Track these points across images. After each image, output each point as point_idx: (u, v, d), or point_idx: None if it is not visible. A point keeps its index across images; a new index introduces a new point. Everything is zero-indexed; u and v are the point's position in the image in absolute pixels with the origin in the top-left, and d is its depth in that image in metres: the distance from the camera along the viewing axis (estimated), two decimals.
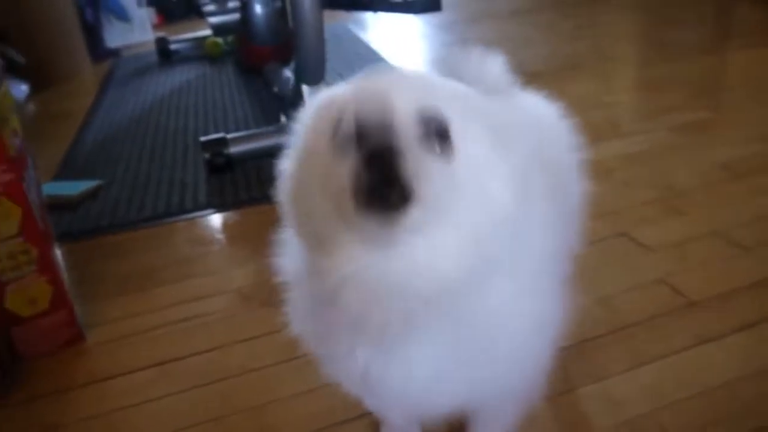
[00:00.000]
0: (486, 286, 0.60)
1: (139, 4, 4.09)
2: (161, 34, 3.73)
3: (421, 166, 0.52)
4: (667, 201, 1.62)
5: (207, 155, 1.97)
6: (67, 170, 2.22)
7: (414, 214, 0.52)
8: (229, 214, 1.81)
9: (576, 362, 1.09)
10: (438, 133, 0.55)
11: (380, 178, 0.51)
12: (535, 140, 0.75)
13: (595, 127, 1.99)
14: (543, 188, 0.70)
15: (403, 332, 0.60)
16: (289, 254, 0.70)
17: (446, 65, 0.83)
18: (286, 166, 0.64)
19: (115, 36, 3.96)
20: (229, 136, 2.01)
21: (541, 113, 0.96)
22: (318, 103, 0.63)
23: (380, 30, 3.84)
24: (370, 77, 0.61)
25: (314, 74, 1.95)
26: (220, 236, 1.73)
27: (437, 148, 0.55)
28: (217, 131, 2.23)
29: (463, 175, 0.56)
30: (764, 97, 2.28)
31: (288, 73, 2.61)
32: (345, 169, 0.52)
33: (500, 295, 0.62)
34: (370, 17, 3.97)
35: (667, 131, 2.04)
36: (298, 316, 0.73)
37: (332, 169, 0.54)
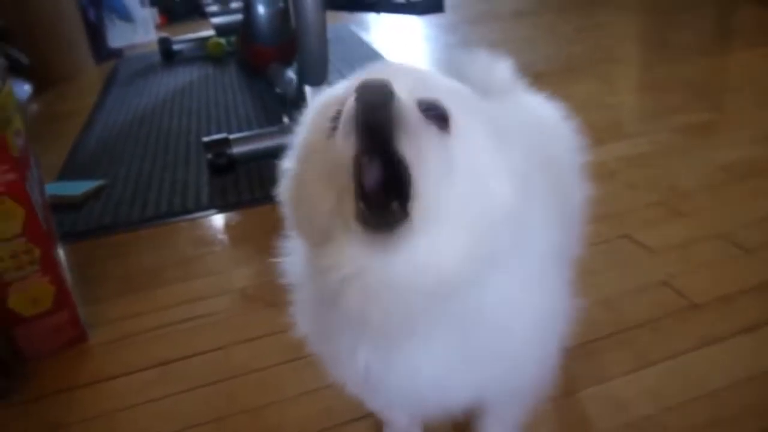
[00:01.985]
0: (488, 283, 0.60)
1: (142, 4, 4.10)
2: (164, 34, 3.73)
3: (420, 145, 0.53)
4: (670, 203, 1.62)
5: (209, 156, 1.97)
6: (70, 170, 2.22)
7: (414, 213, 0.53)
8: (232, 214, 1.82)
9: (579, 364, 1.09)
10: (437, 118, 0.56)
11: (379, 157, 0.52)
12: (537, 140, 0.75)
13: (597, 128, 1.98)
14: (544, 188, 0.70)
15: (405, 331, 0.60)
16: (292, 255, 0.71)
17: (451, 67, 0.83)
18: (288, 165, 0.64)
19: (118, 36, 3.96)
20: (232, 136, 2.01)
21: (543, 114, 0.96)
22: (318, 101, 0.64)
23: (383, 31, 3.84)
24: (371, 69, 0.61)
25: (317, 75, 1.95)
26: (222, 237, 1.73)
27: (436, 133, 0.55)
28: (219, 132, 2.22)
29: (461, 164, 0.56)
30: (766, 99, 2.28)
31: (291, 73, 2.61)
32: (345, 158, 0.53)
33: (503, 292, 0.62)
34: (372, 18, 3.97)
35: (669, 133, 2.04)
36: (303, 316, 0.73)
37: (333, 160, 0.55)
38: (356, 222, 0.53)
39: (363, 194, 0.53)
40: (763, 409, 1.00)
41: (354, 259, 0.56)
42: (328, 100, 0.62)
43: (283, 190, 0.64)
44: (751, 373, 1.07)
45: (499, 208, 0.58)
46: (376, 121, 0.51)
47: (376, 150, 0.52)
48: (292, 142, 0.65)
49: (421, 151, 0.53)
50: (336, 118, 0.56)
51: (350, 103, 0.52)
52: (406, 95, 0.54)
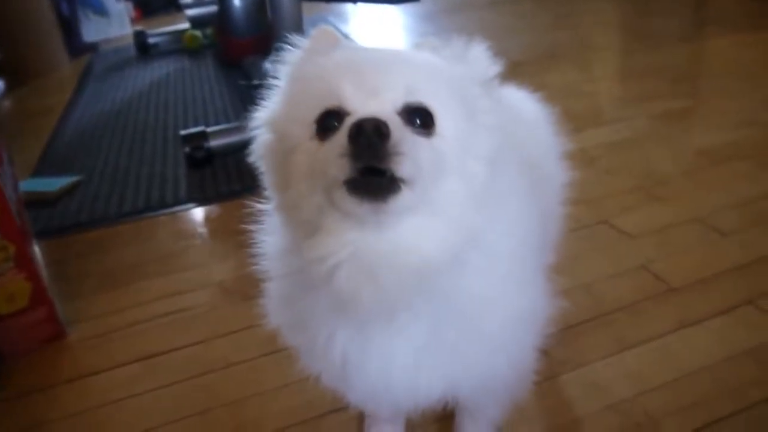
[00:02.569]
0: (468, 267, 0.61)
1: None
2: (139, 27, 3.70)
3: (406, 143, 0.53)
4: (648, 188, 1.64)
5: (187, 149, 1.96)
6: (45, 166, 2.19)
7: (402, 197, 0.54)
8: (210, 207, 1.80)
9: (559, 348, 1.09)
10: (422, 120, 0.57)
11: (368, 155, 0.52)
12: (513, 128, 0.75)
13: (576, 115, 1.99)
14: (521, 172, 0.71)
15: (389, 313, 0.60)
16: (270, 232, 0.70)
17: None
18: (262, 118, 0.65)
19: (92, 30, 3.91)
20: (209, 129, 2.00)
21: (523, 105, 0.96)
22: (300, 69, 0.64)
23: (360, 21, 3.83)
24: (359, 56, 0.61)
25: None
26: (201, 230, 1.72)
27: (423, 136, 0.57)
28: (196, 125, 2.21)
29: (447, 157, 0.58)
30: (743, 84, 2.30)
31: (268, 65, 2.59)
32: (332, 153, 0.54)
33: (482, 278, 0.63)
34: (350, 8, 3.95)
35: (647, 119, 2.05)
36: (275, 306, 0.72)
37: (321, 163, 0.55)
38: (348, 193, 0.53)
39: (353, 182, 0.53)
40: (741, 389, 1.02)
41: (346, 243, 0.56)
42: (310, 81, 0.61)
43: (258, 153, 0.65)
44: (728, 353, 1.09)
45: (476, 184, 0.59)
46: (371, 156, 0.52)
47: (361, 147, 0.53)
48: (272, 91, 0.66)
49: (410, 159, 0.54)
50: (321, 121, 0.57)
51: (344, 139, 0.52)
52: (393, 105, 0.56)
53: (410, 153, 0.53)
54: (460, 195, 0.58)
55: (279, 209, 0.64)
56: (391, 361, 0.64)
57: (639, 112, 2.11)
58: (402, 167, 0.53)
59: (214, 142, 1.96)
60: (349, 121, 0.53)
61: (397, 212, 0.55)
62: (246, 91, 2.65)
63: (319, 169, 0.55)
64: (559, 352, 1.09)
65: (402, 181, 0.53)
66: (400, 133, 0.54)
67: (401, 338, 0.63)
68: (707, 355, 1.09)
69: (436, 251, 0.57)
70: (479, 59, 0.80)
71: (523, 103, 0.96)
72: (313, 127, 0.58)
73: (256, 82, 2.55)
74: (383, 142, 0.52)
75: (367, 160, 0.52)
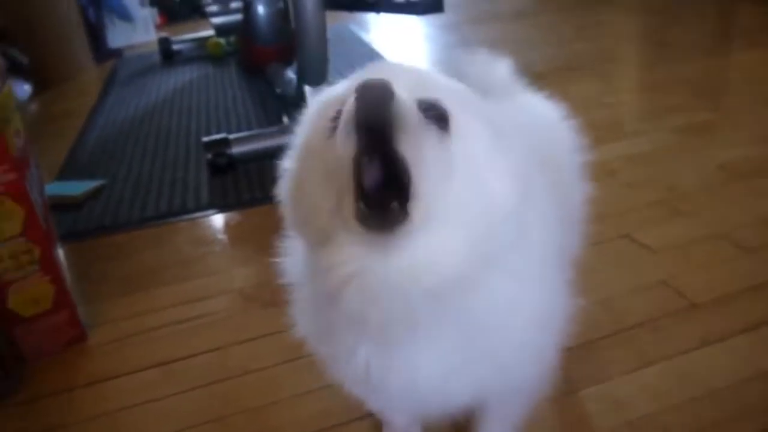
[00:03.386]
0: (487, 283, 0.60)
1: (142, 4, 4.10)
2: (164, 34, 3.73)
3: (420, 145, 0.53)
4: (670, 202, 1.62)
5: (209, 156, 1.97)
6: (69, 170, 2.22)
7: (414, 213, 0.53)
8: (231, 214, 1.81)
9: (579, 364, 1.09)
10: (437, 118, 0.56)
11: (379, 157, 0.52)
12: (536, 140, 0.75)
13: (597, 128, 1.97)
14: (544, 188, 0.70)
15: (404, 331, 0.60)
16: (292, 254, 0.71)
17: (451, 66, 0.83)
18: (287, 165, 0.64)
19: (117, 36, 3.96)
20: (231, 136, 2.01)
21: (543, 114, 0.96)
22: (318, 101, 0.64)
23: (383, 31, 3.84)
24: (372, 69, 0.61)
25: (316, 75, 1.95)
26: (221, 237, 1.73)
27: (435, 133, 0.55)
28: (219, 132, 2.22)
29: (460, 164, 0.56)
30: (765, 99, 2.28)
31: (290, 73, 2.61)
32: (345, 158, 0.53)
33: (502, 291, 0.62)
34: (372, 18, 3.97)
35: (669, 132, 2.03)
36: (302, 317, 0.73)
37: (333, 160, 0.55)
38: (356, 222, 0.53)
39: (363, 194, 0.53)
40: (763, 410, 1.00)
41: (354, 258, 0.56)
42: (328, 99, 0.62)
43: (283, 189, 0.64)
44: (750, 373, 1.07)
45: (499, 207, 0.58)
46: (376, 121, 0.51)
47: (376, 150, 0.52)
48: (292, 141, 0.65)
49: (420, 151, 0.53)
50: (336, 118, 0.56)
51: (350, 102, 0.52)
52: (406, 95, 0.54)
53: (419, 139, 0.53)
54: (474, 208, 0.57)
55: (295, 223, 0.64)
56: (416, 371, 0.64)
57: (660, 125, 2.09)
58: (410, 151, 0.52)
59: (236, 149, 1.97)
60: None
61: (409, 229, 0.54)
62: (269, 99, 2.67)
63: (331, 160, 0.55)
64: (579, 367, 1.08)
65: (409, 205, 0.52)
66: (410, 112, 0.53)
67: (426, 349, 0.63)
68: (730, 373, 1.07)
69: (452, 269, 0.56)
70: (503, 73, 0.81)
71: (544, 113, 0.96)
72: (328, 127, 0.57)
73: (278, 90, 2.58)
74: (388, 104, 0.51)
75: (372, 131, 0.51)
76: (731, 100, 2.39)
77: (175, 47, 3.62)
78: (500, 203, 0.58)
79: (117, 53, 3.86)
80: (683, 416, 1.00)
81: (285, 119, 2.22)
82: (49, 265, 1.24)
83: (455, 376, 0.65)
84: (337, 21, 3.59)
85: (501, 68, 0.94)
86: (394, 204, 0.53)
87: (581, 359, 1.10)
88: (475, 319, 0.62)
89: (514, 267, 0.63)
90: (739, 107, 2.25)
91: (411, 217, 0.53)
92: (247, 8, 2.88)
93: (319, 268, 0.59)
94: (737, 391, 1.04)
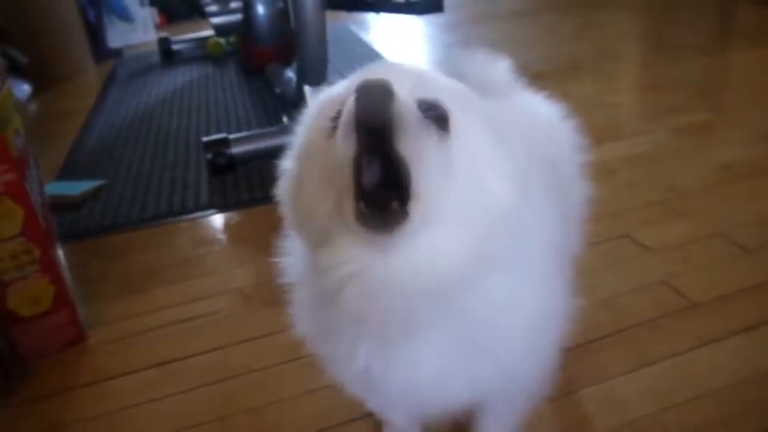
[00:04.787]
0: (487, 283, 0.60)
1: (142, 4, 4.09)
2: (163, 34, 3.73)
3: (419, 145, 0.53)
4: (669, 202, 1.62)
5: (209, 155, 1.97)
6: (69, 170, 2.22)
7: (414, 213, 0.53)
8: (231, 214, 1.82)
9: (578, 363, 1.09)
10: (437, 118, 0.56)
11: (379, 157, 0.52)
12: (536, 140, 0.75)
13: (597, 128, 1.98)
14: (544, 188, 0.70)
15: (404, 330, 0.60)
16: (292, 254, 0.71)
17: (450, 66, 0.83)
18: (287, 165, 0.64)
19: (117, 36, 3.96)
20: (231, 136, 2.01)
21: (542, 114, 0.96)
22: (318, 101, 0.64)
23: (382, 31, 3.84)
24: (371, 69, 0.61)
25: (316, 75, 1.95)
26: (221, 236, 1.73)
27: (435, 133, 0.55)
28: (219, 131, 2.23)
29: (460, 164, 0.56)
30: (766, 99, 2.28)
31: (290, 73, 2.61)
32: (345, 158, 0.53)
33: (502, 291, 0.62)
34: (372, 18, 3.97)
35: (669, 132, 2.04)
36: (302, 316, 0.73)
37: (333, 160, 0.55)
38: (356, 222, 0.53)
39: (363, 194, 0.53)
40: (763, 409, 1.00)
41: (354, 258, 0.56)
42: (327, 100, 0.62)
43: (282, 189, 0.64)
44: (750, 372, 1.07)
45: (498, 207, 0.58)
46: (375, 121, 0.51)
47: (376, 150, 0.52)
48: (292, 142, 0.65)
49: (420, 151, 0.53)
50: (336, 118, 0.56)
51: (350, 102, 0.52)
52: (406, 95, 0.54)
53: (419, 139, 0.53)
54: (474, 208, 0.57)
55: (295, 224, 0.64)
56: (416, 370, 0.64)
57: (660, 125, 2.09)
58: (410, 151, 0.52)
59: (236, 149, 1.97)
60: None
61: (408, 229, 0.54)
62: (269, 99, 2.67)
63: (331, 160, 0.55)
64: (578, 367, 1.08)
65: (409, 205, 0.53)
66: (410, 112, 0.53)
67: (425, 349, 0.63)
68: (729, 373, 1.07)
69: (451, 269, 0.56)
70: (502, 73, 0.81)
71: (543, 113, 0.96)
72: (328, 127, 0.57)
73: (277, 90, 2.58)
74: (388, 104, 0.51)
75: (372, 131, 0.51)
76: (731, 100, 2.39)
77: (175, 47, 3.62)
78: (500, 203, 0.57)
79: (117, 53, 3.86)
80: (683, 416, 1.00)
81: (285, 119, 2.22)
82: (48, 265, 1.24)
83: (454, 376, 0.65)
84: (336, 21, 3.59)
85: (500, 68, 0.94)
86: (394, 204, 0.53)
87: (581, 359, 1.10)
88: (474, 319, 0.62)
89: (514, 267, 0.63)
90: (739, 107, 2.25)
91: (411, 216, 0.53)
92: (247, 8, 2.88)
93: (319, 268, 0.59)
94: (737, 391, 1.04)
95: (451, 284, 0.57)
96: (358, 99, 0.51)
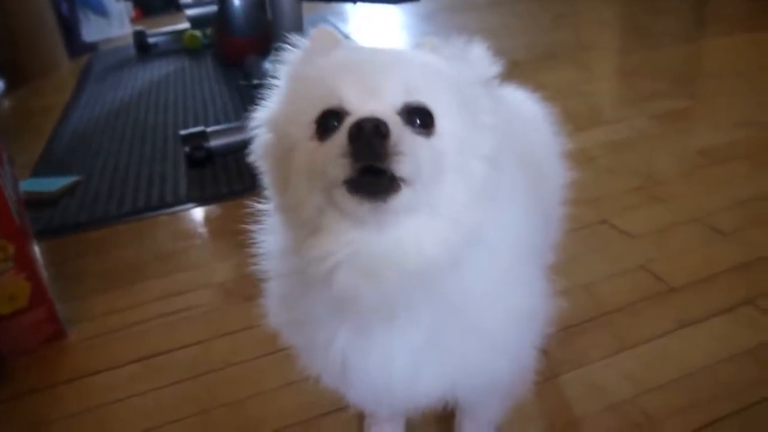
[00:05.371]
0: (468, 267, 0.61)
1: None
2: (139, 27, 3.69)
3: (406, 142, 0.53)
4: (648, 188, 1.64)
5: (187, 149, 1.96)
6: (45, 166, 2.19)
7: (402, 197, 0.54)
8: (210, 207, 1.80)
9: (558, 348, 1.09)
10: (423, 121, 0.57)
11: (368, 154, 0.52)
12: (514, 129, 0.75)
13: (576, 115, 1.99)
14: (521, 173, 0.70)
15: (387, 315, 0.60)
16: (271, 234, 0.70)
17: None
18: (262, 118, 0.65)
19: (92, 30, 3.91)
20: (209, 129, 1.99)
21: (521, 103, 0.96)
22: (299, 70, 0.64)
23: (360, 21, 3.83)
24: (357, 63, 0.61)
25: None
26: (201, 230, 1.72)
27: (423, 135, 0.57)
28: (196, 125, 2.21)
29: (447, 159, 0.57)
30: (742, 84, 2.30)
31: (267, 64, 2.59)
32: (332, 153, 0.54)
33: (482, 277, 0.63)
34: (349, 8, 3.95)
35: (647, 119, 2.05)
36: (275, 306, 0.72)
37: (320, 164, 0.55)
38: (348, 193, 0.53)
39: (354, 181, 0.53)
40: (740, 389, 1.02)
41: (346, 243, 0.56)
42: (309, 81, 0.61)
43: (259, 157, 0.65)
44: (728, 353, 1.09)
45: (476, 185, 0.59)
46: (371, 155, 0.52)
47: (370, 172, 0.53)
48: (272, 91, 0.66)
49: (410, 159, 0.54)
50: (320, 122, 0.57)
51: (344, 138, 0.53)
52: (395, 101, 0.56)
53: (410, 152, 0.53)
54: (460, 194, 0.58)
55: (279, 210, 0.64)
56: (390, 361, 0.64)
57: (639, 112, 2.11)
58: (402, 166, 0.53)
59: (214, 142, 1.96)
60: (348, 121, 0.53)
61: (397, 212, 0.55)
62: (246, 90, 2.65)
63: (319, 169, 0.55)
64: (559, 353, 1.09)
65: (402, 180, 0.53)
66: (400, 132, 0.54)
67: (401, 338, 0.63)
68: (707, 355, 1.09)
69: (436, 251, 0.57)
70: (479, 59, 0.80)
71: (522, 103, 0.96)
72: (312, 127, 0.58)
73: (255, 81, 2.56)
74: (383, 141, 0.52)
75: (367, 160, 0.52)
76: (709, 86, 2.41)
77: (151, 40, 3.58)
78: (477, 180, 0.59)
79: (92, 47, 3.81)
80: (663, 398, 1.01)
81: None
82: (24, 262, 1.23)
83: (428, 366, 0.66)
84: (314, 12, 3.57)
85: (477, 51, 0.94)
86: (387, 172, 0.53)
87: (560, 344, 1.10)
88: (450, 309, 0.63)
89: (494, 253, 0.63)
90: (717, 93, 2.27)
91: (402, 188, 0.54)
92: None
93: (308, 259, 0.58)
94: (715, 372, 1.05)
95: (436, 267, 0.58)
96: (352, 137, 0.52)
